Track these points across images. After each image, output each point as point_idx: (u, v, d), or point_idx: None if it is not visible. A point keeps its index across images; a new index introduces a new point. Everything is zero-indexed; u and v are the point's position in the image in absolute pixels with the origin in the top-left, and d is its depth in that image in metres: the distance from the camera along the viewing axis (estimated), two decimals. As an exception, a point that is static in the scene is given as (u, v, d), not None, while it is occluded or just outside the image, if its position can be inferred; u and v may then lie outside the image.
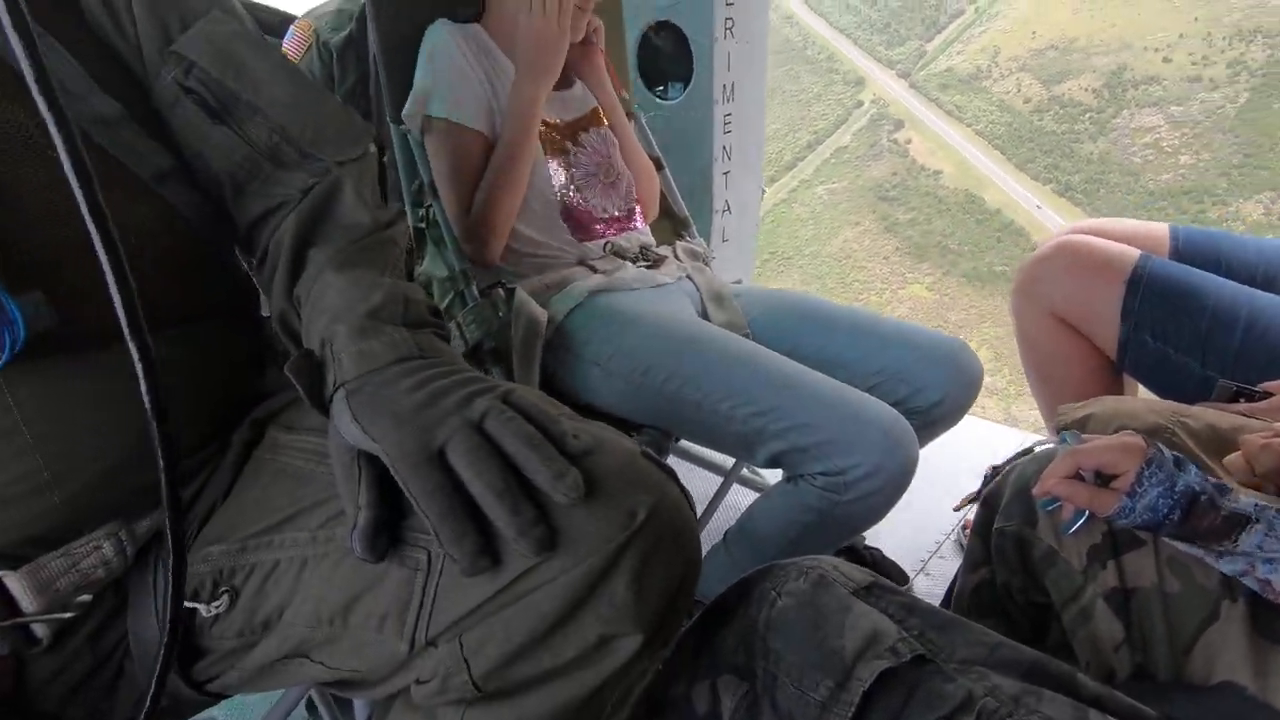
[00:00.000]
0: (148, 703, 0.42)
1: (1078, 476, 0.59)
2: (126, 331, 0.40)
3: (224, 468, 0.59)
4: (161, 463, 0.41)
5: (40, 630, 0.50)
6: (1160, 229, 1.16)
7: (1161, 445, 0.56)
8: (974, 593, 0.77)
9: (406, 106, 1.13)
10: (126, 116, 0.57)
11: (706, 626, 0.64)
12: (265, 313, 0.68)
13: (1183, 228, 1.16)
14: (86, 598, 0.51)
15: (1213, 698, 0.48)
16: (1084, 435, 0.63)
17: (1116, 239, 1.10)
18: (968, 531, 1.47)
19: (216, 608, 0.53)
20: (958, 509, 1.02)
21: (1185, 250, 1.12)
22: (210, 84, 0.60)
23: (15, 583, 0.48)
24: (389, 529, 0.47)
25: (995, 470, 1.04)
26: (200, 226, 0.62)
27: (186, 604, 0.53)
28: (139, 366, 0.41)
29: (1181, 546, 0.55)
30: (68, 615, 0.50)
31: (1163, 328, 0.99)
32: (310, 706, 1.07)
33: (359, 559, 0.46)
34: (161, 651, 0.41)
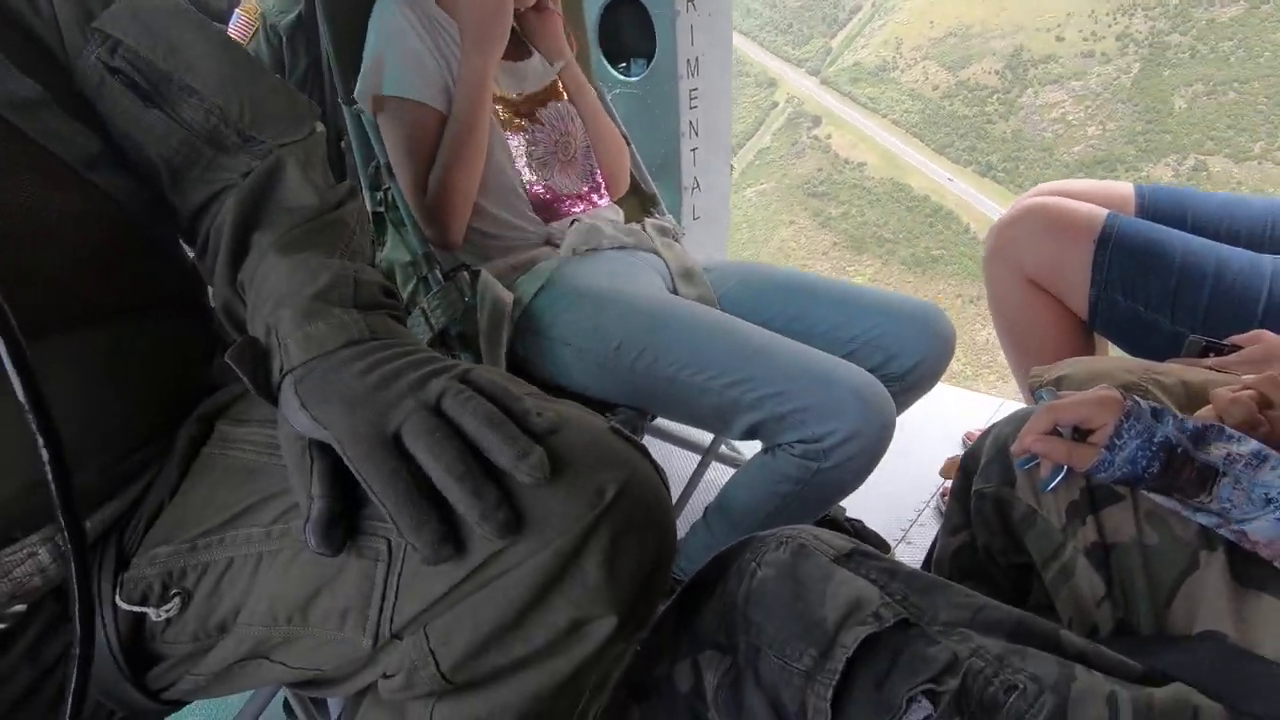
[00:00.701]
0: None
1: (1055, 433, 0.58)
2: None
3: (171, 465, 0.56)
4: (54, 489, 0.38)
5: (-26, 644, 0.47)
6: (1125, 188, 1.16)
7: (1139, 398, 0.55)
8: (955, 556, 0.76)
9: (357, 86, 1.09)
10: (48, 99, 0.53)
11: (685, 604, 0.63)
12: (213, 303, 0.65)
13: (1148, 186, 1.16)
14: (21, 607, 0.48)
15: (1195, 647, 0.48)
16: (1060, 392, 0.62)
17: (1083, 199, 1.10)
18: (947, 498, 1.48)
19: (168, 611, 0.50)
20: (944, 475, 1.02)
21: (1151, 208, 1.12)
22: (139, 63, 0.56)
23: None
24: (345, 520, 0.44)
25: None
26: (138, 214, 0.58)
27: (135, 608, 0.50)
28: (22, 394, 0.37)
29: (1160, 499, 0.55)
30: (1, 627, 0.47)
31: (1132, 286, 0.99)
32: (287, 705, 1.04)
33: (315, 553, 0.43)
34: (72, 687, 0.37)
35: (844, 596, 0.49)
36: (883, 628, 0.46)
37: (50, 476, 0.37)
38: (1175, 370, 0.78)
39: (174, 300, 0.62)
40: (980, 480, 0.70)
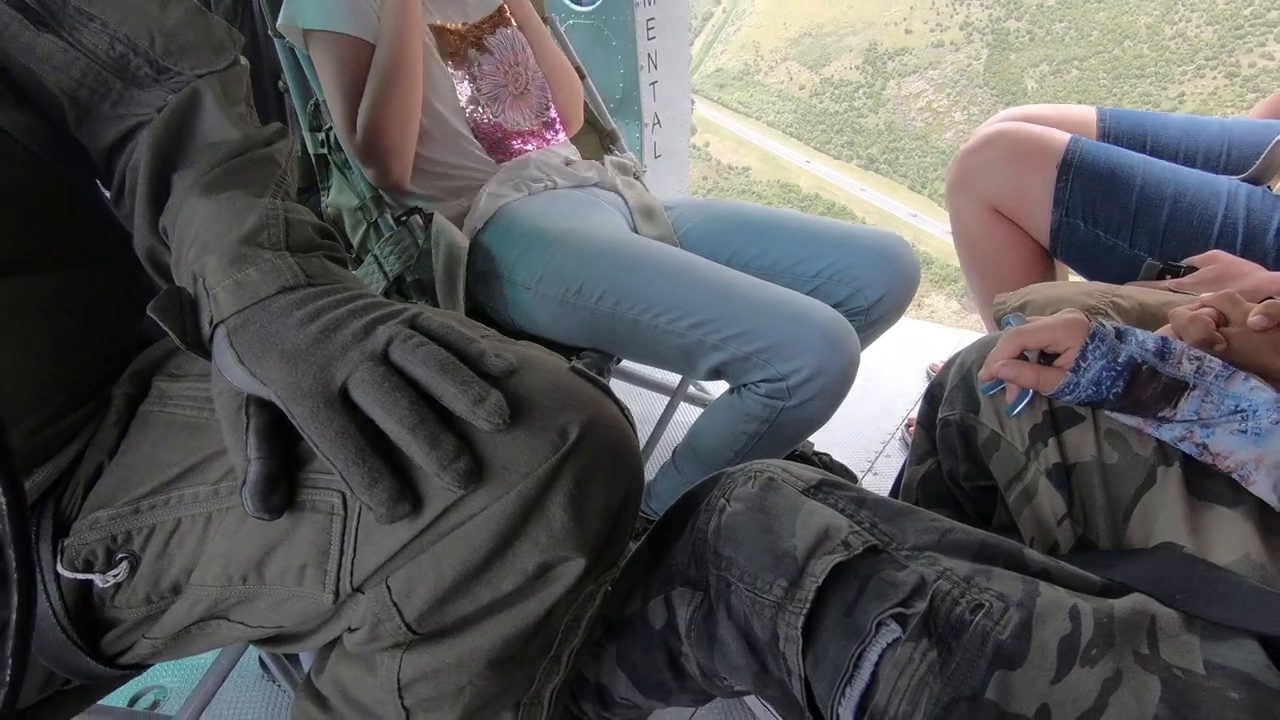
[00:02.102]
0: None
1: (1022, 358, 0.58)
2: None
3: (107, 425, 0.53)
4: None
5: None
6: (1087, 112, 1.15)
7: (1103, 320, 0.55)
8: (922, 483, 0.78)
9: (280, 18, 1.01)
10: None
11: (656, 542, 0.63)
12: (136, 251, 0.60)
13: (1110, 109, 1.15)
14: None
15: (1152, 558, 0.49)
16: (1027, 317, 0.62)
17: (1045, 124, 1.09)
18: (912, 429, 1.51)
19: (115, 577, 0.48)
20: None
21: (1113, 131, 1.11)
22: None
23: None
24: (286, 481, 0.42)
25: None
26: (46, 155, 0.53)
27: (79, 576, 0.48)
28: None
29: (1122, 418, 0.55)
30: None
31: (1093, 210, 0.99)
32: (262, 662, 1.04)
33: (254, 518, 0.41)
34: (7, 680, 0.35)
35: (813, 526, 0.49)
36: (851, 555, 0.46)
37: None
38: (1134, 293, 0.79)
39: (97, 249, 0.58)
40: (945, 408, 0.71)
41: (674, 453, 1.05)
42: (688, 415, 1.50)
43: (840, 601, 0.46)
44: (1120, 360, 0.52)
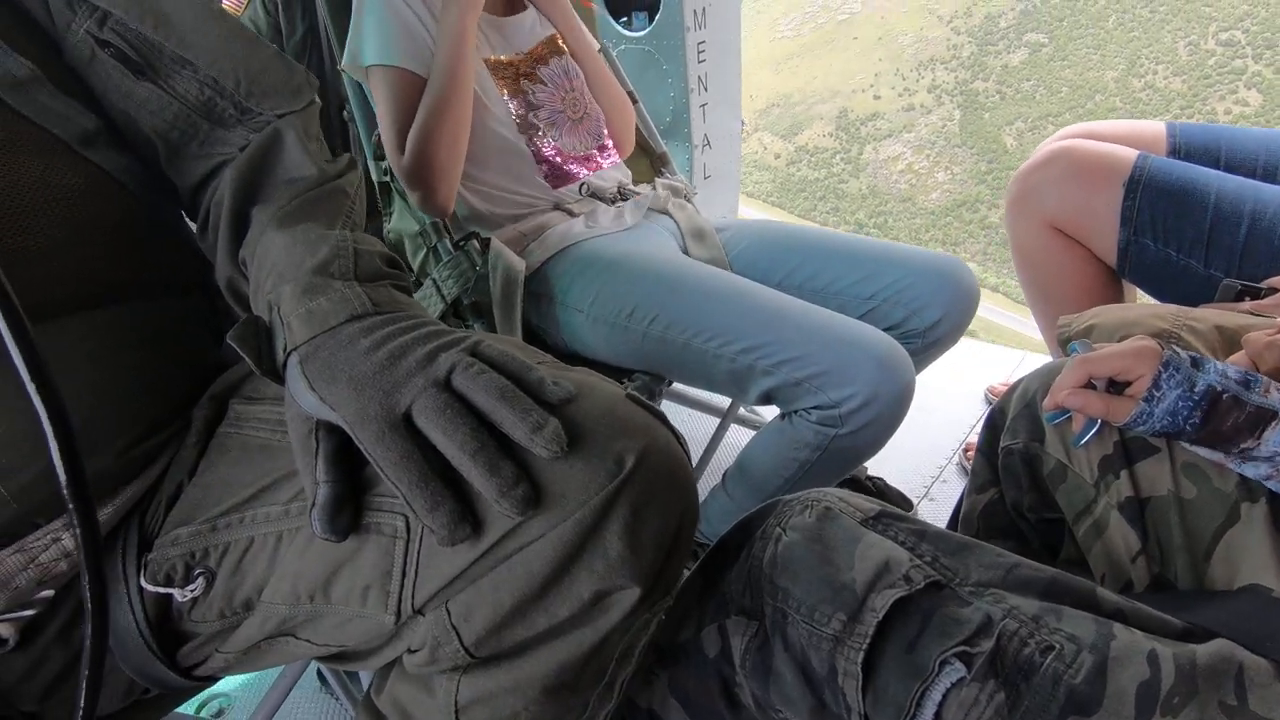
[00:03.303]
0: None
1: (1090, 386, 0.56)
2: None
3: (187, 446, 0.56)
4: (62, 474, 0.37)
5: (4, 630, 0.47)
6: (1156, 127, 1.11)
7: (1177, 347, 0.53)
8: (984, 515, 0.75)
9: (344, 58, 1.06)
10: (40, 77, 0.51)
11: (710, 569, 0.62)
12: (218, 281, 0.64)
13: (1180, 123, 1.11)
14: (49, 593, 0.49)
15: (1237, 601, 0.46)
16: (1094, 344, 0.60)
17: (1111, 141, 1.06)
18: (970, 454, 1.47)
19: (193, 591, 0.50)
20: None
21: (1184, 146, 1.07)
22: (129, 35, 0.55)
23: None
24: (352, 503, 0.44)
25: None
26: (140, 192, 0.57)
27: (160, 590, 0.51)
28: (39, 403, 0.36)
29: (1202, 451, 0.53)
30: (29, 614, 0.48)
31: (1164, 229, 0.96)
32: (321, 676, 1.07)
33: (322, 539, 0.42)
34: (85, 675, 0.37)
35: (872, 559, 0.48)
36: (913, 590, 0.45)
37: (59, 461, 0.37)
38: (1209, 315, 0.75)
39: (182, 279, 0.61)
40: (1008, 436, 0.68)
41: (724, 476, 1.04)
42: (739, 436, 1.49)
43: (902, 638, 0.45)
44: (1198, 389, 0.50)
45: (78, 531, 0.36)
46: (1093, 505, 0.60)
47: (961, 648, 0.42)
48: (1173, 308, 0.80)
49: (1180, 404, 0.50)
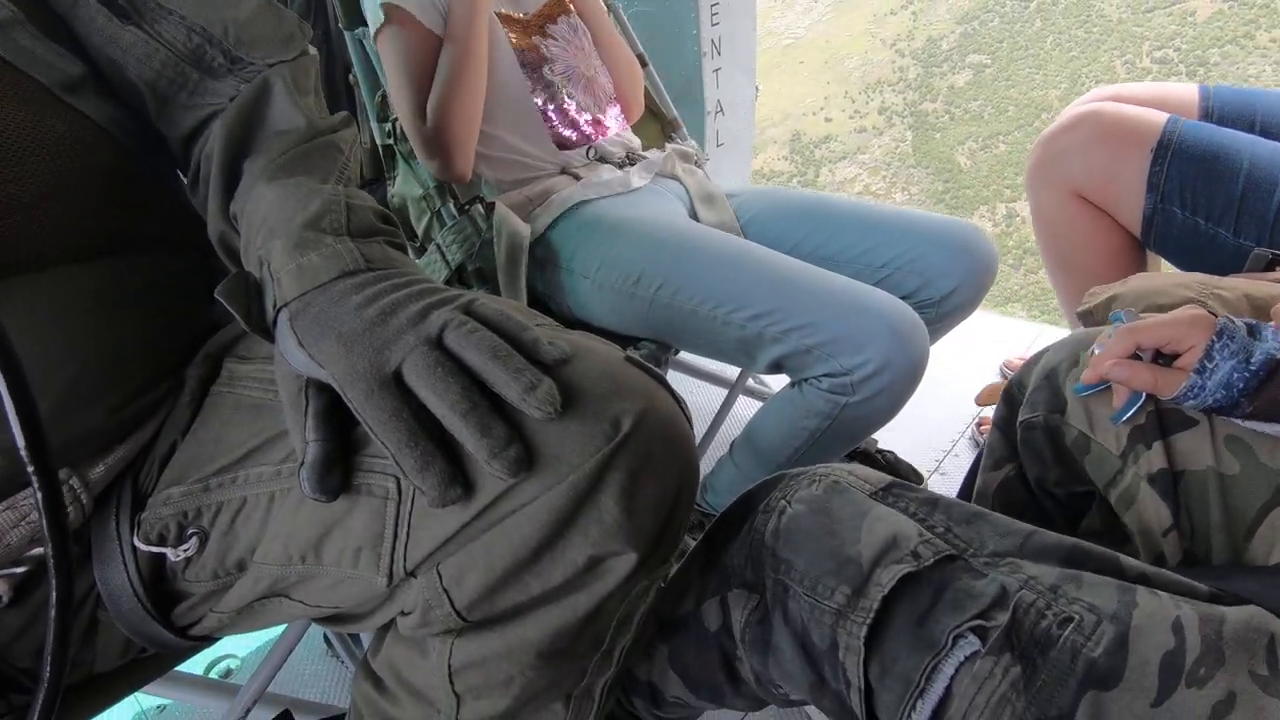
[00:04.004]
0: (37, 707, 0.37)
1: (1135, 357, 0.53)
2: None
3: (181, 405, 0.55)
4: (19, 434, 0.35)
5: (-3, 586, 0.47)
6: (1189, 90, 1.06)
7: (1232, 315, 0.50)
8: (1000, 491, 0.73)
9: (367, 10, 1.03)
10: (21, 19, 0.49)
11: (713, 542, 0.61)
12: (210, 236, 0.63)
13: (1213, 86, 1.06)
14: (39, 550, 0.48)
15: (1275, 575, 0.44)
16: (1140, 313, 0.57)
17: (1141, 103, 1.01)
18: (983, 428, 1.44)
19: (185, 551, 0.50)
20: (982, 404, 0.97)
21: (1217, 110, 1.02)
22: None
23: None
24: (342, 463, 0.43)
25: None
26: (130, 144, 0.56)
27: (154, 549, 0.50)
28: None
29: (1260, 426, 0.50)
30: (20, 570, 0.47)
31: (1192, 196, 0.92)
32: (327, 638, 1.08)
33: (311, 499, 0.41)
34: (46, 679, 0.36)
35: (879, 532, 0.46)
36: (921, 567, 0.44)
37: (14, 421, 0.35)
38: (1237, 284, 0.72)
39: (175, 235, 0.60)
40: (1026, 410, 0.66)
41: (731, 446, 1.03)
42: (746, 408, 1.48)
43: (910, 611, 0.43)
44: (1255, 360, 0.47)
45: (39, 495, 0.35)
46: (1119, 476, 0.57)
47: (976, 621, 0.40)
48: (1200, 276, 0.77)
49: (1235, 375, 0.47)
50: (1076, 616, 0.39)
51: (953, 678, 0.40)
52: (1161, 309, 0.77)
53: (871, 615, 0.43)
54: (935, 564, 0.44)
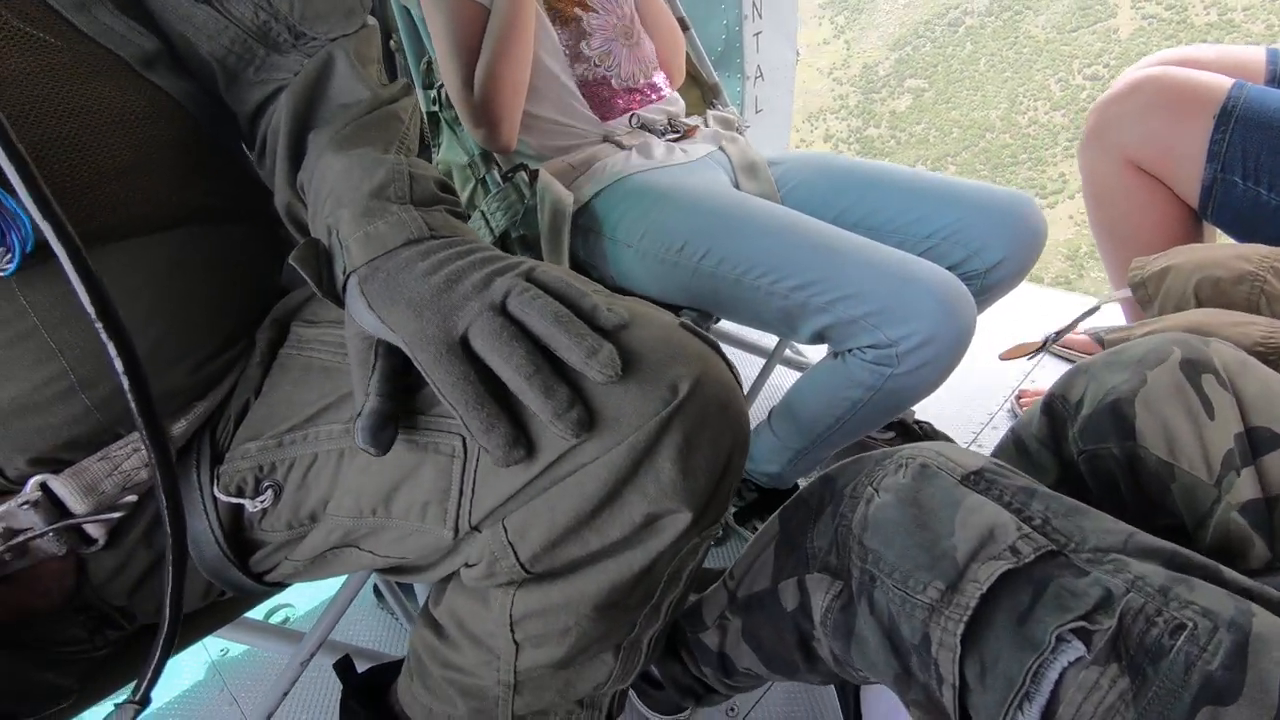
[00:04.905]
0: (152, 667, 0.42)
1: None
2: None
3: (253, 366, 0.58)
4: (131, 395, 0.39)
5: (94, 530, 0.51)
6: (1256, 53, 1.02)
7: None
8: None
9: None
10: None
11: (786, 520, 0.61)
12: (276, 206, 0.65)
13: (1284, 50, 1.02)
14: (132, 498, 0.52)
15: None
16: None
17: (1206, 68, 0.98)
18: (1022, 400, 1.43)
19: (262, 503, 0.53)
20: (1006, 358, 0.96)
21: (1288, 74, 0.98)
22: None
23: (60, 486, 0.48)
24: (396, 421, 0.45)
25: (1056, 335, 0.98)
26: (202, 117, 0.58)
27: (232, 500, 0.53)
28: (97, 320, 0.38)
29: None
30: (116, 515, 0.51)
31: (1255, 165, 0.89)
32: (377, 590, 1.13)
33: (362, 450, 0.44)
34: (169, 583, 0.40)
35: (975, 525, 0.45)
36: (1021, 564, 0.42)
37: (126, 383, 0.39)
38: (1300, 259, 0.71)
39: (244, 205, 0.62)
40: (1089, 439, 0.60)
41: (770, 415, 1.04)
42: (783, 378, 1.48)
43: (1011, 608, 0.42)
44: None
45: (151, 454, 0.39)
46: (1214, 507, 0.51)
47: (1080, 623, 0.39)
48: (1260, 248, 0.75)
49: None
50: (1190, 623, 0.37)
51: (1058, 682, 0.39)
52: (1218, 282, 0.75)
53: (969, 612, 0.43)
54: (1036, 560, 0.42)
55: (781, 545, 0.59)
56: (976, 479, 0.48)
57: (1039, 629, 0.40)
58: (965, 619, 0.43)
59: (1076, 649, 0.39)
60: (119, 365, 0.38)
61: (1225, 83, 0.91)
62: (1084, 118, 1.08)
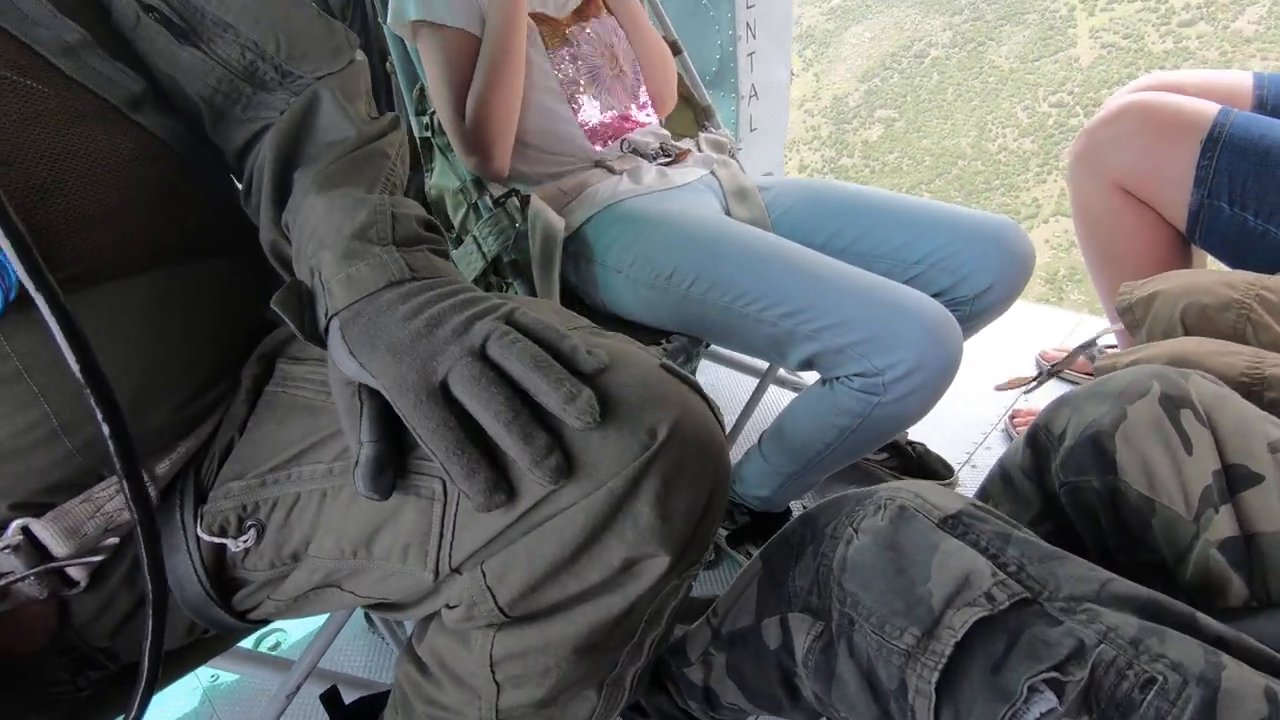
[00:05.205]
0: (139, 691, 0.43)
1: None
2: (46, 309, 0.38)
3: (237, 403, 0.58)
4: (111, 442, 0.40)
5: (76, 573, 0.51)
6: (1243, 78, 1.03)
7: None
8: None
9: (389, 16, 1.05)
10: (89, 41, 0.52)
11: (769, 558, 0.61)
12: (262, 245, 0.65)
13: (1269, 74, 1.02)
14: (114, 540, 0.52)
15: None
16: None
17: (1192, 93, 0.98)
18: (1015, 421, 1.43)
19: (245, 542, 0.53)
20: (1001, 388, 0.96)
21: (1272, 100, 0.99)
22: (171, 0, 0.55)
23: (42, 529, 0.48)
24: (394, 464, 0.45)
25: (1052, 368, 0.98)
26: (188, 156, 0.58)
27: (215, 539, 0.53)
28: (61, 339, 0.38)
29: None
30: (97, 559, 0.51)
31: (1241, 191, 0.89)
32: (368, 616, 1.13)
33: (364, 497, 0.44)
34: (149, 634, 0.40)
35: (951, 570, 0.45)
36: (995, 611, 0.42)
37: (108, 430, 0.39)
38: (1284, 285, 0.71)
39: (230, 243, 0.63)
40: (1071, 472, 0.60)
41: (760, 439, 1.04)
42: (777, 398, 1.48)
43: (985, 656, 0.42)
44: None
45: (128, 492, 0.39)
46: (1194, 543, 0.51)
47: (1052, 674, 0.39)
48: (1246, 275, 0.75)
49: None
50: (1160, 677, 0.37)
51: None
52: (1205, 309, 0.75)
53: (944, 660, 0.43)
54: (1010, 607, 0.42)
55: (764, 582, 0.59)
56: (954, 523, 0.48)
57: (1012, 678, 0.40)
58: (940, 666, 0.43)
59: (1049, 700, 0.39)
60: (99, 414, 0.39)
61: (1211, 108, 0.92)
62: (1053, 144, 1.08)
